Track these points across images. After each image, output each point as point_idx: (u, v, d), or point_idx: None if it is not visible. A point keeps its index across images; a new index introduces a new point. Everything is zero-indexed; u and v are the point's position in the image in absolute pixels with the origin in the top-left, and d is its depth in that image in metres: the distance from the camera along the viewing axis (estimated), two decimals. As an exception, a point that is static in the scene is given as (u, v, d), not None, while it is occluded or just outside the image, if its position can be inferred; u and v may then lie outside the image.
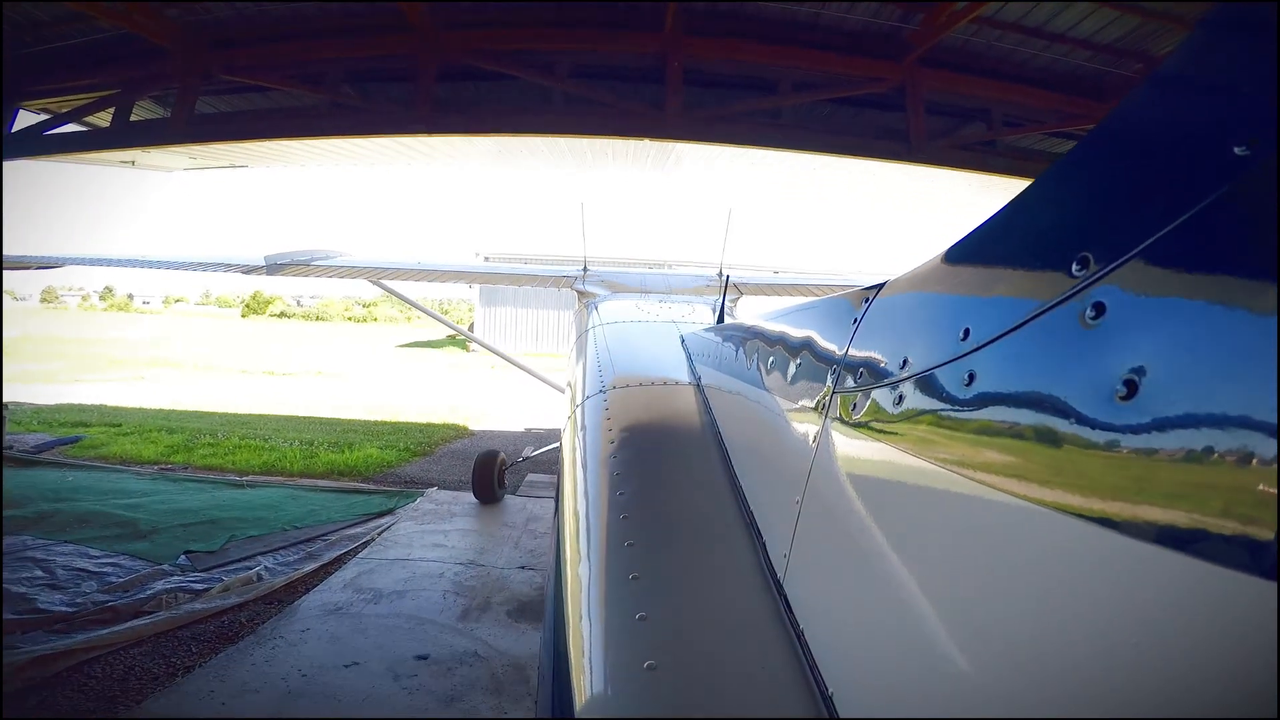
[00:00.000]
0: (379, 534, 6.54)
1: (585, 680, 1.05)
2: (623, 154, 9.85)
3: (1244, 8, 0.51)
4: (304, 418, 12.49)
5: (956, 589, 0.68)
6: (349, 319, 67.54)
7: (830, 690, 0.86)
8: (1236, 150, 0.45)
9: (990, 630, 0.62)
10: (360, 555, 6.05)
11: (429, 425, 12.08)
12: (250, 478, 8.32)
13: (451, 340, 36.66)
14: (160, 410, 12.92)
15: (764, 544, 1.25)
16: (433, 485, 8.15)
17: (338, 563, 5.86)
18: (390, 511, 7.18)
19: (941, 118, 8.63)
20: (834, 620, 0.93)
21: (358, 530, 6.61)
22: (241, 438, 10.23)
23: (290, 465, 8.76)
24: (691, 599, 1.19)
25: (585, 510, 1.64)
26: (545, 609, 1.59)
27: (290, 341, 33.43)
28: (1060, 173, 0.68)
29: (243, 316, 67.30)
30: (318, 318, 67.86)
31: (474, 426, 12.36)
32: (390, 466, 8.98)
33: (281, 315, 68.69)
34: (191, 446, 9.67)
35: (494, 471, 7.33)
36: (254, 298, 71.52)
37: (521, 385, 19.77)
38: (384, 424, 12.09)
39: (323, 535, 6.46)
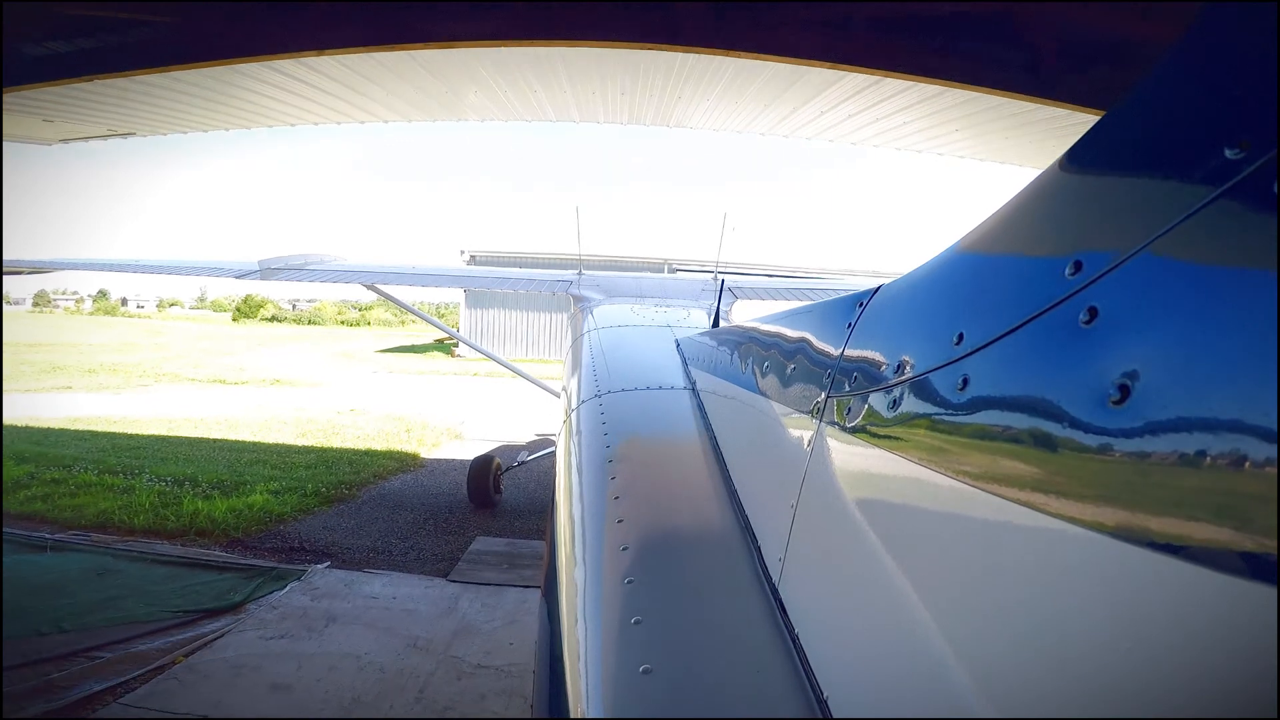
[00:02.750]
0: (190, 653, 3.92)
1: (581, 684, 1.03)
2: (616, 93, 7.28)
3: (1236, 8, 0.50)
4: (214, 440, 9.89)
5: (950, 593, 0.66)
6: (342, 323, 65.21)
7: (825, 694, 0.85)
8: (1229, 153, 0.44)
9: (985, 635, 0.61)
10: (127, 698, 3.43)
11: (368, 452, 9.45)
12: (65, 535, 5.71)
13: (437, 345, 34.27)
14: (49, 428, 10.37)
15: (759, 548, 1.24)
16: (327, 558, 5.54)
17: (77, 709, 3.26)
18: (235, 607, 4.55)
19: (1073, 48, 6.03)
20: (829, 624, 0.93)
21: (158, 644, 3.99)
22: (102, 471, 7.64)
23: (135, 517, 6.15)
24: (687, 603, 1.15)
25: (580, 515, 1.60)
26: (540, 611, 1.60)
27: (265, 346, 31.00)
28: (1053, 176, 0.65)
29: (233, 320, 65.12)
30: (310, 321, 65.65)
31: (429, 454, 9.72)
32: (278, 521, 6.34)
33: (273, 319, 66.57)
34: (28, 483, 7.09)
35: (490, 476, 7.07)
36: (245, 301, 69.25)
37: (508, 395, 17.26)
38: (308, 450, 9.46)
39: (96, 648, 3.85)
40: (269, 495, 6.88)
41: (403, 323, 62.36)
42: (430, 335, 39.33)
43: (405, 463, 8.96)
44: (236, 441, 9.84)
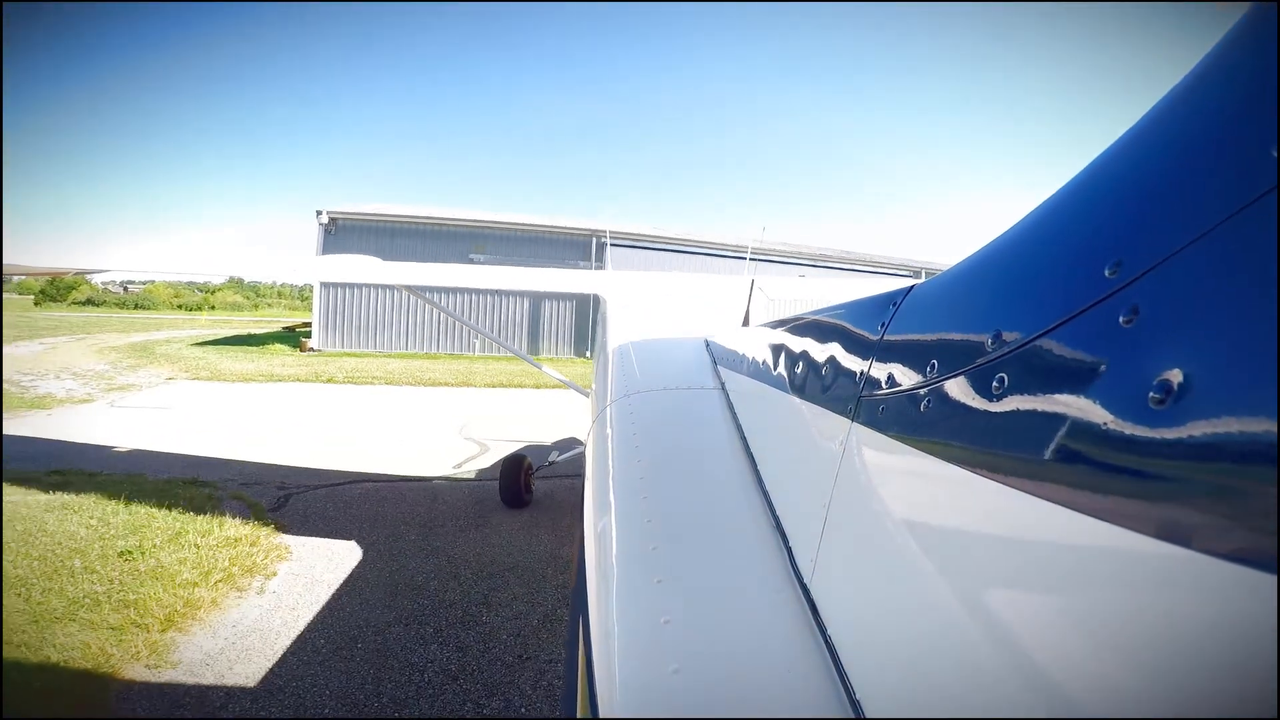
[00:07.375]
0: None
1: (610, 684, 1.00)
2: None
3: None
4: None
5: (982, 593, 0.66)
6: (179, 308, 54.13)
7: (858, 695, 0.84)
8: (1274, 152, 0.44)
9: (1019, 636, 0.59)
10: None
11: None
12: None
13: (283, 335, 26.67)
14: None
15: (790, 548, 1.23)
16: None
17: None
18: None
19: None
20: (861, 624, 0.92)
21: None
22: None
23: None
24: (716, 602, 1.15)
25: (610, 514, 1.58)
26: (570, 612, 1.57)
27: (29, 339, 22.31)
28: (1093, 175, 0.66)
29: (36, 305, 52.45)
30: (137, 306, 54.16)
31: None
32: None
33: (88, 304, 54.44)
34: None
35: (521, 476, 6.74)
36: (51, 283, 56.14)
37: (388, 420, 10.78)
38: None
39: None
40: None
41: (255, 307, 52.31)
42: (265, 325, 31.27)
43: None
44: None
